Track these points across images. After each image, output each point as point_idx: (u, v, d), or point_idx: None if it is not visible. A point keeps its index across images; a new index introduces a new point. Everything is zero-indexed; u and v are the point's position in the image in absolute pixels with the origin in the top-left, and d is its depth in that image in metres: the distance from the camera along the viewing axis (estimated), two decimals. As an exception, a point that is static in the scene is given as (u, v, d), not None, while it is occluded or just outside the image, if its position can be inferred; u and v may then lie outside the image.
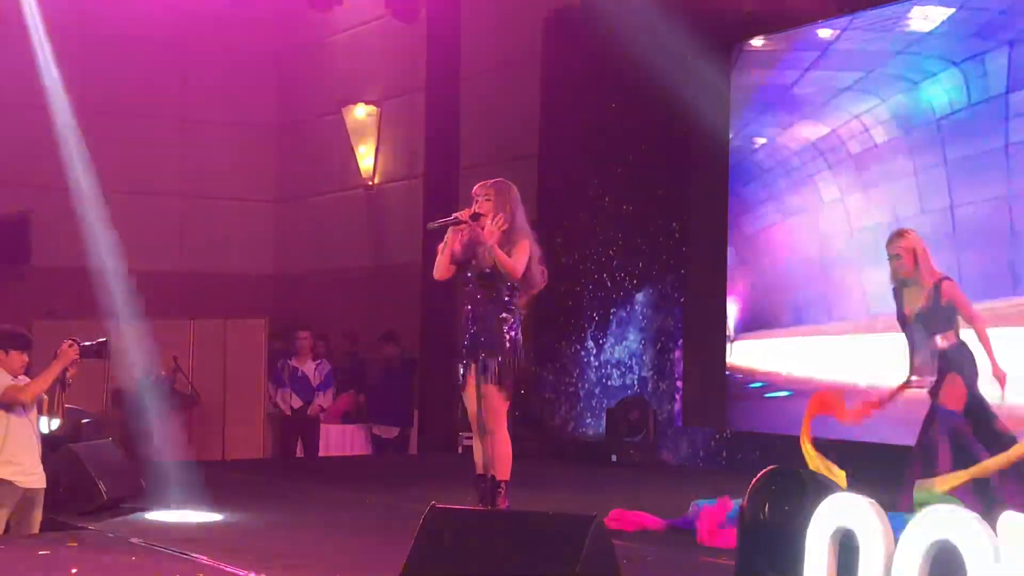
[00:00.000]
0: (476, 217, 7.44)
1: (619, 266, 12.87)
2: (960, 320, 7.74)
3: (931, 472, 7.27)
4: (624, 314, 12.79)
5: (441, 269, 7.57)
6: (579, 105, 13.41)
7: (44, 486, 7.56)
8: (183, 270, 17.00)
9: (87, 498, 8.31)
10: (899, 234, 7.83)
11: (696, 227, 12.39)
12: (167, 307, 15.61)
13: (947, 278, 7.74)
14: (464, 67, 14.52)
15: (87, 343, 7.25)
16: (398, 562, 5.48)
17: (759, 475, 6.11)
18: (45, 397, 7.44)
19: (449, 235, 7.54)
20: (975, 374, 7.71)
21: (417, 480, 10.90)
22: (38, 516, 7.57)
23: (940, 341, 7.67)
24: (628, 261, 12.80)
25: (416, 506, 6.02)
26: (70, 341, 7.26)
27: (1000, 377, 7.70)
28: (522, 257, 7.38)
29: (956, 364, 7.66)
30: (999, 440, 7.48)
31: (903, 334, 7.90)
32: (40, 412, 7.46)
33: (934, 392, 7.67)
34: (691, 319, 12.32)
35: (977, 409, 7.66)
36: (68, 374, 7.35)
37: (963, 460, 7.32)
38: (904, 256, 7.71)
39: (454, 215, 7.60)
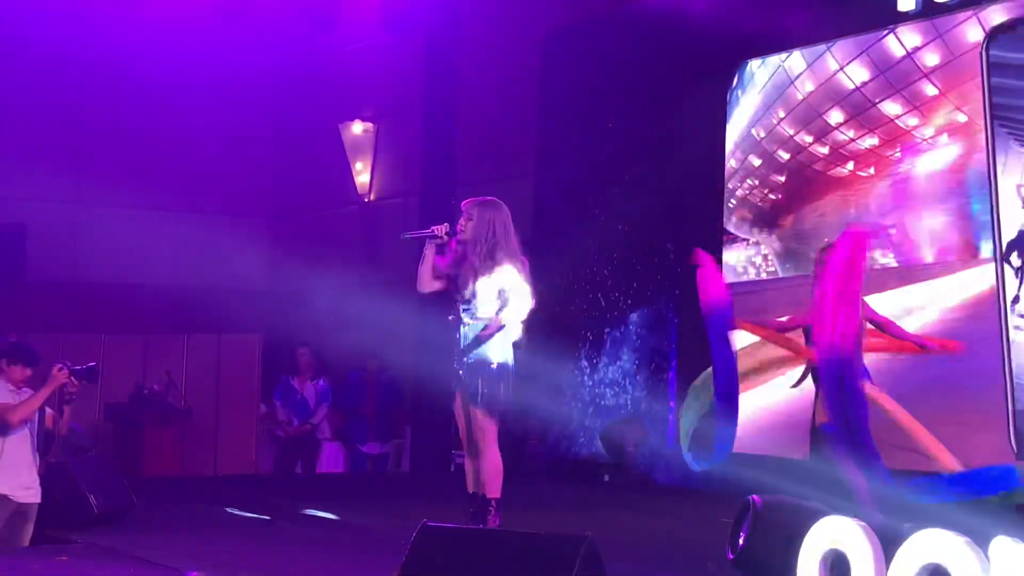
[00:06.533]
0: (452, 232, 7.42)
1: (614, 285, 12.85)
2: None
3: None
4: (618, 334, 12.77)
5: (423, 282, 7.49)
6: (575, 124, 13.42)
7: (39, 501, 7.60)
8: (177, 285, 16.98)
9: (78, 512, 8.29)
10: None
11: (691, 247, 12.35)
12: (161, 321, 15.58)
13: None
14: (461, 85, 14.53)
15: (77, 367, 7.41)
16: (389, 580, 5.48)
17: (745, 502, 6.11)
18: (50, 411, 7.56)
19: (427, 249, 7.49)
20: None
21: (408, 498, 10.88)
22: (29, 530, 7.59)
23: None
24: (623, 281, 12.79)
25: (407, 524, 6.02)
26: (60, 365, 7.40)
27: None
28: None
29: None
30: None
31: None
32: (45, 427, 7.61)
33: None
34: (685, 339, 12.30)
35: None
36: (70, 391, 7.48)
37: None
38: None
39: (431, 228, 7.51)
